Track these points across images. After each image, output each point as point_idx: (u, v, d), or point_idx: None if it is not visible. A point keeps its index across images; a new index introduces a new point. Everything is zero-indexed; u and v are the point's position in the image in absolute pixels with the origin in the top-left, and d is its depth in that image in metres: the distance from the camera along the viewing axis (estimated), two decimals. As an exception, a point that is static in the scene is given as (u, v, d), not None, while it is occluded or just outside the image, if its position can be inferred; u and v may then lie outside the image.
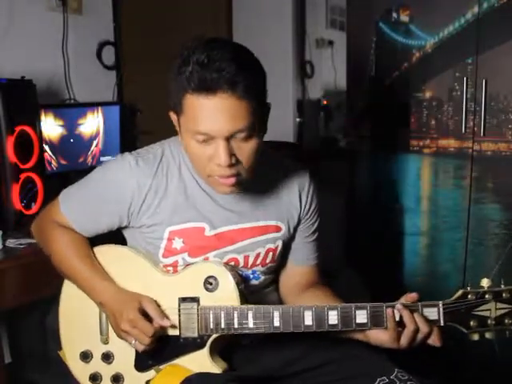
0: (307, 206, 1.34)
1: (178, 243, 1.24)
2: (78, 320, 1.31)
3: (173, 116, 1.21)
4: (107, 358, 1.27)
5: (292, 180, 1.33)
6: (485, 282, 1.14)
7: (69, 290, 1.32)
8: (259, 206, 1.29)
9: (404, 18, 2.25)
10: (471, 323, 1.13)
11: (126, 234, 1.32)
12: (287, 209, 1.32)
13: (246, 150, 1.13)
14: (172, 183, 1.24)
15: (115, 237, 1.33)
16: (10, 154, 1.82)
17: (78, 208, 1.29)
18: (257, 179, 1.28)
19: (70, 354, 1.31)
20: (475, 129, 2.08)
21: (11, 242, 1.75)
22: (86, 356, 1.29)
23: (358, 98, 2.46)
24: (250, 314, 1.18)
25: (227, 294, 1.20)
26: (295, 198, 1.33)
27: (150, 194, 1.22)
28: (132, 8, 2.71)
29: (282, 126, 3.11)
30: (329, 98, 3.70)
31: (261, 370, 1.26)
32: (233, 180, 1.14)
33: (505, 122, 2.03)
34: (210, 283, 1.21)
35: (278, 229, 1.31)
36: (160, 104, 2.97)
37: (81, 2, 2.47)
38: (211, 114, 1.08)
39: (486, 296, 1.13)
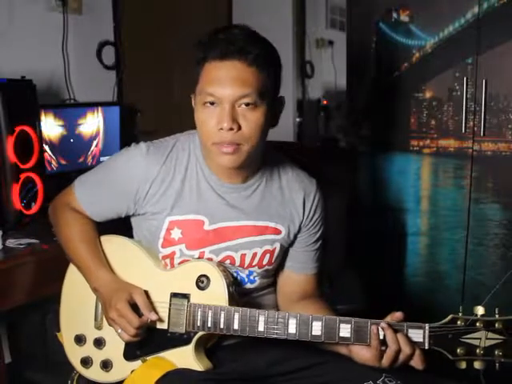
0: (310, 215, 1.34)
1: (176, 234, 1.27)
2: (76, 304, 1.35)
3: (193, 99, 1.25)
4: (99, 343, 1.30)
5: (299, 187, 1.34)
6: (478, 310, 1.10)
7: (72, 274, 1.36)
8: (262, 206, 1.30)
9: (404, 17, 2.25)
10: (458, 350, 1.09)
11: (133, 222, 1.36)
12: (290, 214, 1.32)
13: (250, 119, 1.16)
14: (179, 174, 1.26)
15: (123, 228, 1.37)
16: (10, 154, 1.82)
17: (90, 193, 1.33)
18: (264, 180, 1.31)
19: (66, 337, 1.35)
20: (475, 129, 2.08)
21: (11, 242, 1.75)
22: (79, 340, 1.32)
23: (357, 98, 2.46)
24: (236, 316, 1.19)
25: (217, 293, 1.22)
26: (299, 204, 1.33)
27: (156, 181, 1.25)
28: (132, 8, 2.71)
29: (282, 125, 3.11)
30: (329, 98, 3.70)
31: (244, 370, 1.26)
32: (232, 148, 1.16)
33: (505, 122, 2.03)
34: (201, 281, 1.23)
35: (277, 231, 1.31)
36: (160, 104, 2.97)
37: (81, 2, 2.47)
38: (221, 78, 1.15)
39: (477, 324, 1.08)
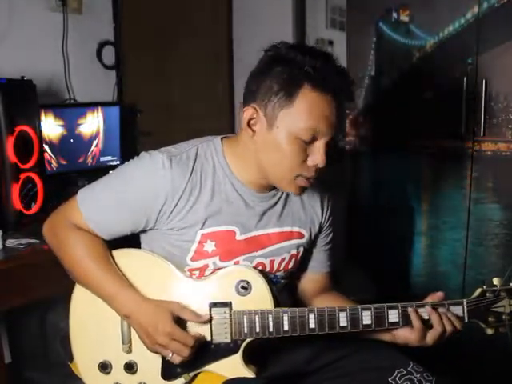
0: (327, 216, 1.37)
1: (209, 246, 1.22)
2: (93, 329, 1.24)
3: (250, 112, 1.16)
4: (130, 367, 1.22)
5: (314, 190, 1.35)
6: (496, 281, 1.23)
7: (81, 296, 1.25)
8: (285, 212, 1.31)
9: (404, 17, 2.24)
10: (489, 319, 1.22)
11: (145, 236, 1.28)
12: (310, 216, 1.34)
13: (328, 156, 1.18)
14: (206, 186, 1.21)
15: (127, 241, 1.27)
16: (10, 154, 1.82)
17: (100, 208, 1.22)
18: None
19: (86, 366, 1.24)
20: (475, 129, 2.07)
21: (11, 242, 1.75)
22: (105, 367, 1.23)
23: (357, 98, 2.46)
24: (285, 317, 1.18)
25: (260, 297, 1.19)
26: (317, 206, 1.35)
27: (184, 196, 1.18)
28: (132, 8, 2.71)
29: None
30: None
31: (287, 369, 1.28)
32: (311, 181, 1.19)
33: (505, 122, 2.03)
34: (243, 287, 1.20)
35: (300, 235, 1.33)
36: (160, 104, 2.96)
37: (81, 2, 2.47)
38: (330, 116, 1.13)
39: (501, 294, 1.22)
